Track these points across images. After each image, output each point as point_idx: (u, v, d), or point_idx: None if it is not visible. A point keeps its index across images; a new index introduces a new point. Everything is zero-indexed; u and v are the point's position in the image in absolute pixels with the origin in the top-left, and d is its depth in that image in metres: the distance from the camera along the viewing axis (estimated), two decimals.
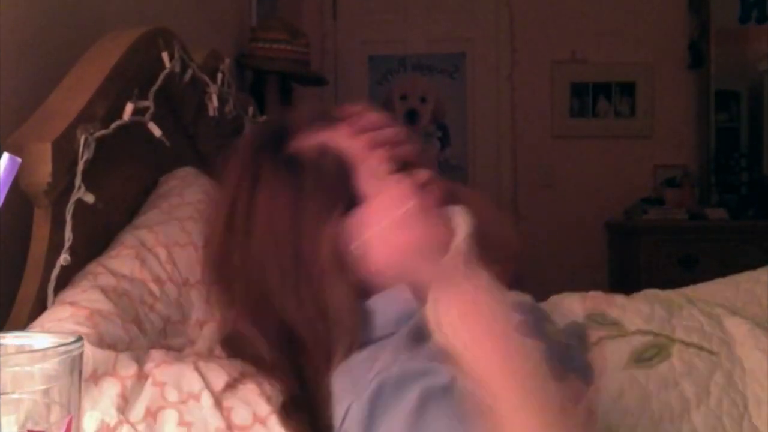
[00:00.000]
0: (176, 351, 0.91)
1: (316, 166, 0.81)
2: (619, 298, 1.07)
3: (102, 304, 0.87)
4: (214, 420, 0.79)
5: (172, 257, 1.01)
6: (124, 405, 0.79)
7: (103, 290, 0.89)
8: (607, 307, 1.03)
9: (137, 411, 0.79)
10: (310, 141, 0.83)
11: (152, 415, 0.78)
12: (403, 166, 0.83)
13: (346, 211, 0.79)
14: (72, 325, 0.82)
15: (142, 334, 0.89)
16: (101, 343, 0.82)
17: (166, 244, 1.02)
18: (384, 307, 0.77)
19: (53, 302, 0.88)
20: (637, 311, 1.03)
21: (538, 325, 0.84)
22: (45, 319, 0.84)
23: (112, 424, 0.77)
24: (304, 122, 0.85)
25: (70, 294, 0.89)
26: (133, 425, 0.77)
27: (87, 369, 0.77)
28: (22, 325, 0.85)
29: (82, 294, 0.88)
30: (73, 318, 0.83)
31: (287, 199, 0.80)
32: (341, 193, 0.80)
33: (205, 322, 0.99)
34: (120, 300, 0.90)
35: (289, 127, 0.85)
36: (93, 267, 0.94)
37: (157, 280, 0.97)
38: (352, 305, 0.76)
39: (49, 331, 0.80)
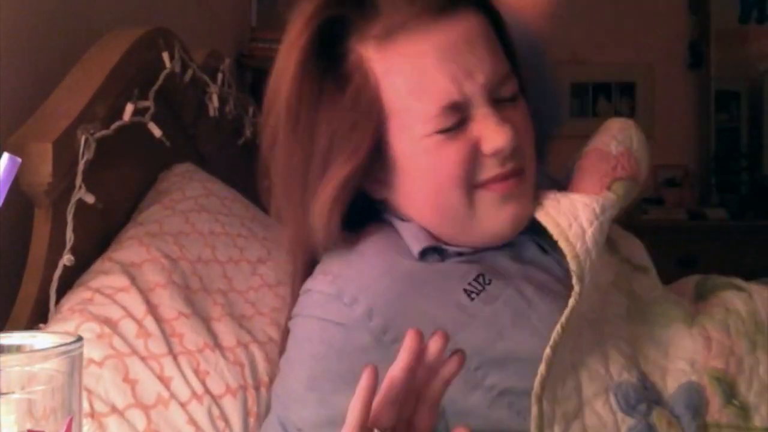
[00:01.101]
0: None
1: (357, 93, 0.75)
2: (746, 353, 0.79)
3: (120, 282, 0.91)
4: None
5: (180, 241, 1.01)
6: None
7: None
8: (735, 369, 0.77)
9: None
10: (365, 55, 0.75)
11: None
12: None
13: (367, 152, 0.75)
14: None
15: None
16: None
17: (172, 233, 1.02)
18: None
19: (56, 305, 0.88)
20: (763, 387, 0.78)
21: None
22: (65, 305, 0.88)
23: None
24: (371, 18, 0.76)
25: (76, 291, 0.90)
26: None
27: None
28: (22, 325, 0.85)
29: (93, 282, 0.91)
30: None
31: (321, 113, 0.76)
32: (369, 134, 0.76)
33: (227, 291, 0.99)
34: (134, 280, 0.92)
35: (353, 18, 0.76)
36: (99, 264, 0.94)
37: (168, 257, 0.97)
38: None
39: (50, 331, 0.81)
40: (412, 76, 0.74)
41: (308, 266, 0.83)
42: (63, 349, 0.45)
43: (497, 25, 0.80)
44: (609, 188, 0.81)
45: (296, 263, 0.84)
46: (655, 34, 3.60)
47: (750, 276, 1.29)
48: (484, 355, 0.74)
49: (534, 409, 0.70)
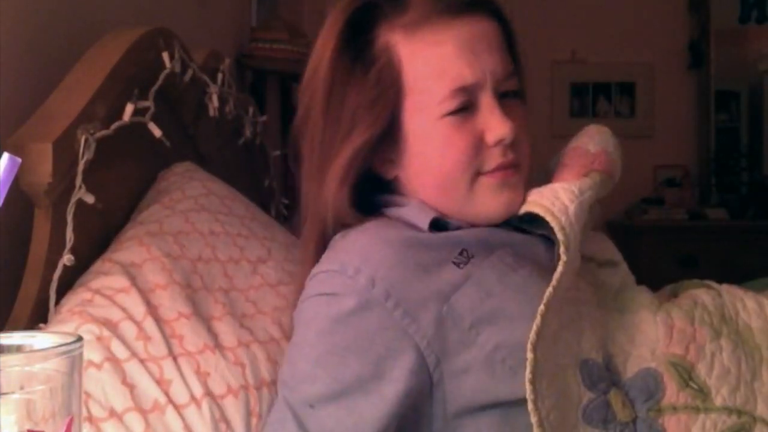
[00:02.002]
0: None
1: (378, 76, 0.85)
2: (709, 341, 0.83)
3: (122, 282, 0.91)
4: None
5: (180, 240, 1.01)
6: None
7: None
8: (695, 355, 0.81)
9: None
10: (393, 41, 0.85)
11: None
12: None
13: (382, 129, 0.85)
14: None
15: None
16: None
17: (172, 232, 1.02)
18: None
19: (56, 305, 0.88)
20: (725, 371, 0.81)
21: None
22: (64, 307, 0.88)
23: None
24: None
25: (76, 292, 0.90)
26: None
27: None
28: (22, 325, 0.85)
29: (93, 283, 0.90)
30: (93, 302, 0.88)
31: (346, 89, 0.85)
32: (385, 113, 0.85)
33: (228, 290, 0.99)
34: (134, 281, 0.92)
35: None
36: (99, 264, 0.94)
37: (169, 257, 0.97)
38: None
39: (50, 331, 0.81)
40: (432, 60, 0.84)
41: (320, 251, 0.88)
42: (63, 349, 0.45)
43: (508, 35, 0.92)
44: (586, 176, 0.89)
45: (308, 246, 0.90)
46: (655, 34, 3.61)
47: (750, 276, 1.29)
48: (475, 313, 0.79)
49: (530, 357, 0.75)
